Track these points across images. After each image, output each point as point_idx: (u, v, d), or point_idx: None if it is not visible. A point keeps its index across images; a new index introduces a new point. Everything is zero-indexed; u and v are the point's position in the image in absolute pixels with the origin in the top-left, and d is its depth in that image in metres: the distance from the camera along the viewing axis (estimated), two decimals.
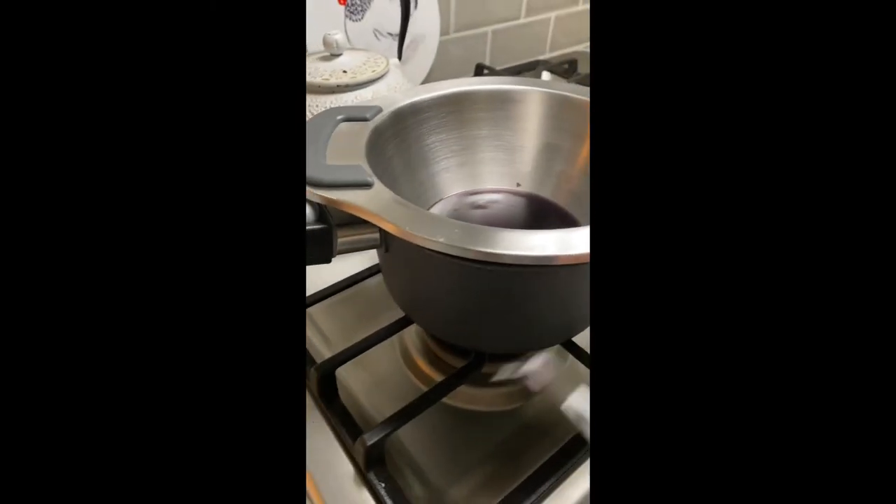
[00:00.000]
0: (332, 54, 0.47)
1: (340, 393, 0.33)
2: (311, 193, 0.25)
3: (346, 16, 0.60)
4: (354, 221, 0.26)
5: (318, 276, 0.41)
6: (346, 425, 0.31)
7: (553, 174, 0.38)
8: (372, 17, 0.62)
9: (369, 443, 0.27)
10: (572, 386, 0.35)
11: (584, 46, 0.91)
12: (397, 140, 0.34)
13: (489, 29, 0.75)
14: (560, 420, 0.33)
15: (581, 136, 0.36)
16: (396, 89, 0.48)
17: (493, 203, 0.38)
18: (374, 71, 0.46)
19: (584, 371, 0.35)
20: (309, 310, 0.39)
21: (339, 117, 0.32)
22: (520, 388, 0.34)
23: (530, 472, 0.28)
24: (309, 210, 0.26)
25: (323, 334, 0.38)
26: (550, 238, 0.22)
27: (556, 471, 0.28)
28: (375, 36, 0.63)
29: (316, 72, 0.45)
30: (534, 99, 0.37)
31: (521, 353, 0.35)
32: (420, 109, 0.36)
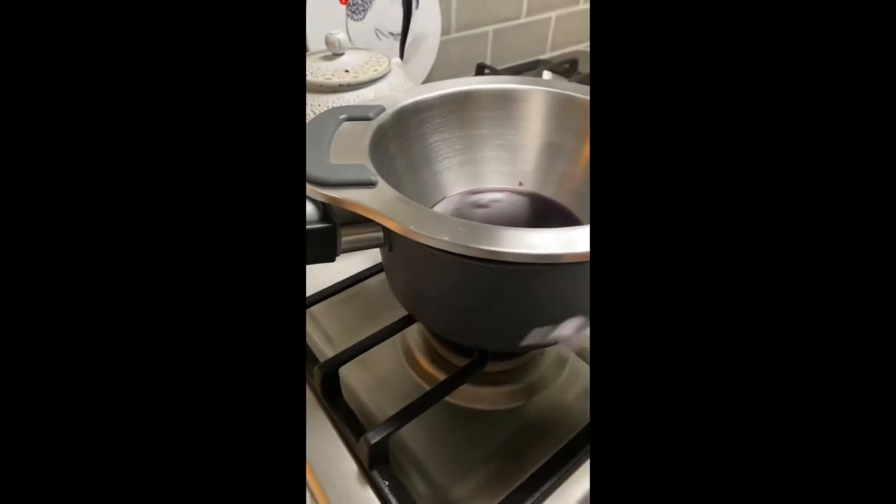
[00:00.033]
0: (335, 54, 0.47)
1: (343, 391, 0.33)
2: (316, 192, 0.25)
3: (348, 15, 0.60)
4: (358, 220, 0.26)
5: (321, 276, 0.41)
6: (350, 424, 0.31)
7: (556, 173, 0.38)
8: (373, 16, 0.62)
9: (373, 441, 0.28)
10: (575, 384, 0.35)
11: (585, 46, 0.91)
12: (400, 139, 0.35)
13: (490, 28, 0.75)
14: (562, 418, 0.33)
15: (583, 135, 0.36)
16: (398, 89, 0.48)
17: (495, 202, 0.38)
18: (376, 70, 0.46)
19: (587, 369, 0.35)
20: (311, 309, 0.39)
21: (342, 116, 0.32)
22: (522, 387, 0.34)
23: (533, 470, 0.28)
24: (313, 209, 0.26)
25: (325, 333, 0.38)
26: (554, 236, 0.22)
27: (558, 469, 0.28)
28: (377, 35, 0.63)
29: (318, 71, 0.45)
30: (536, 98, 0.37)
31: (523, 352, 0.35)
32: (423, 108, 0.36)
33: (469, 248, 0.22)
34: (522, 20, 0.78)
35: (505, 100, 0.38)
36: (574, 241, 0.22)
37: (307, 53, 0.51)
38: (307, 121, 0.43)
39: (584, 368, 0.36)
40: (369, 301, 0.41)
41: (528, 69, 0.77)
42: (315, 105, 0.45)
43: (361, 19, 0.61)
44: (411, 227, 0.23)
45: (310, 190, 0.26)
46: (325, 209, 0.26)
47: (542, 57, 0.85)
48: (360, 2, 0.60)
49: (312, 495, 0.29)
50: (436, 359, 0.36)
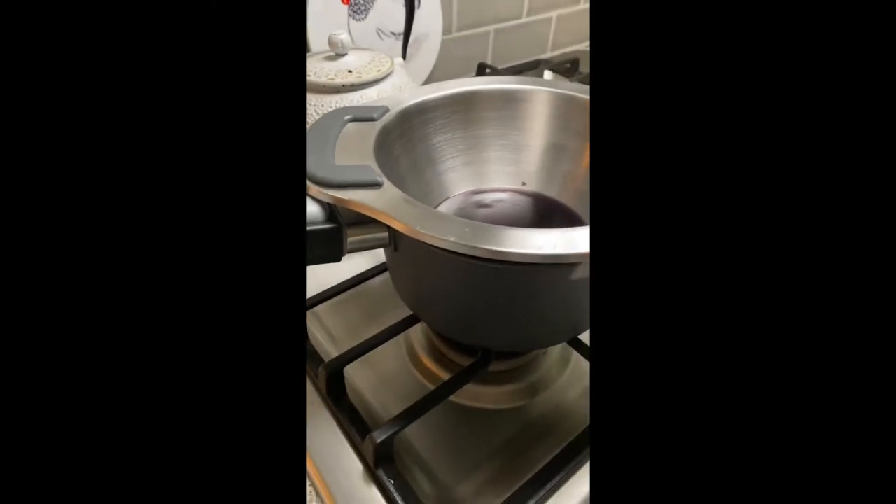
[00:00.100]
0: (338, 54, 0.47)
1: (348, 391, 0.33)
2: (321, 193, 0.26)
3: (350, 15, 0.60)
4: (363, 220, 0.26)
5: (324, 276, 0.41)
6: (355, 423, 0.31)
7: (559, 173, 0.38)
8: (375, 16, 0.62)
9: (378, 440, 0.28)
10: (578, 383, 0.35)
11: (586, 46, 0.91)
12: (404, 139, 0.35)
13: (491, 28, 0.75)
14: (566, 417, 0.33)
15: (587, 136, 0.36)
16: (401, 89, 0.48)
17: (498, 202, 0.38)
18: (379, 71, 0.46)
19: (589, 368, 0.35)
20: (315, 309, 0.40)
21: (347, 117, 0.32)
22: (525, 386, 0.35)
23: (537, 469, 0.29)
24: (319, 209, 0.26)
25: (329, 333, 0.39)
26: (559, 236, 0.22)
27: (562, 467, 0.29)
28: (379, 35, 0.63)
29: (321, 71, 0.46)
30: (540, 98, 0.37)
31: (527, 351, 0.36)
32: (426, 109, 0.36)
33: (475, 248, 0.22)
34: (523, 20, 0.78)
35: (508, 100, 0.38)
36: (578, 241, 0.22)
37: (310, 54, 0.51)
38: (311, 122, 0.43)
39: (587, 367, 0.36)
40: (373, 301, 0.41)
41: (530, 69, 0.77)
42: (319, 106, 0.45)
43: (363, 19, 0.61)
44: (417, 227, 0.23)
45: (315, 191, 0.26)
46: (331, 210, 0.27)
47: (543, 56, 0.85)
48: (361, 2, 0.60)
49: (318, 494, 0.30)
50: (439, 358, 0.36)
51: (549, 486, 0.28)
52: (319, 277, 0.41)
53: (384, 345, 0.34)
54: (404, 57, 0.65)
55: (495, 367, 0.34)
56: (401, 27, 0.64)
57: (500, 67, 0.76)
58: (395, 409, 0.30)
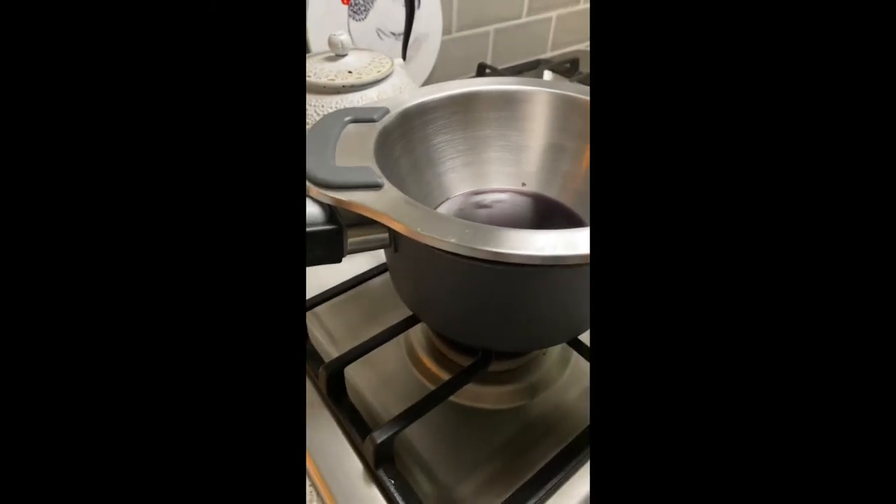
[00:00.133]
0: (338, 55, 0.48)
1: (348, 391, 0.33)
2: (322, 195, 0.26)
3: (350, 15, 0.60)
4: (364, 221, 0.26)
5: (324, 276, 0.41)
6: (355, 423, 0.31)
7: (559, 174, 0.38)
8: (375, 16, 0.62)
9: (379, 441, 0.28)
10: (578, 383, 0.35)
11: (586, 45, 0.91)
12: (404, 140, 0.35)
13: (491, 28, 0.75)
14: (565, 417, 0.33)
15: (586, 136, 0.36)
16: (401, 89, 0.48)
17: (498, 203, 0.39)
18: (379, 71, 0.46)
19: (589, 368, 0.35)
20: (315, 309, 0.40)
21: (347, 118, 0.32)
22: (525, 386, 0.35)
23: (537, 469, 0.29)
24: (319, 211, 0.26)
25: (330, 334, 0.39)
26: (559, 238, 0.23)
27: (562, 467, 0.29)
28: (378, 35, 0.63)
29: (321, 72, 0.46)
30: (540, 99, 0.37)
31: (527, 351, 0.36)
32: (427, 110, 0.36)
33: (476, 249, 0.22)
34: (523, 20, 0.78)
35: (508, 101, 0.38)
36: (579, 242, 0.22)
37: (310, 54, 0.51)
38: (311, 122, 0.43)
39: (587, 367, 0.36)
40: (373, 301, 0.41)
41: (529, 69, 0.77)
42: (319, 106, 0.45)
43: (363, 19, 0.61)
44: (418, 229, 0.23)
45: (316, 192, 0.26)
46: (332, 211, 0.27)
47: (542, 56, 0.85)
48: (361, 2, 0.60)
49: (318, 494, 0.30)
50: (439, 358, 0.36)
51: (548, 487, 0.28)
52: (320, 278, 0.41)
53: (384, 345, 0.35)
54: (404, 57, 0.66)
55: (495, 367, 0.34)
56: (401, 27, 0.65)
57: (499, 67, 0.76)
58: (396, 409, 0.30)
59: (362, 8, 0.60)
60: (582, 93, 0.37)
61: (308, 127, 0.32)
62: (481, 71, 0.74)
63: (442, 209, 0.38)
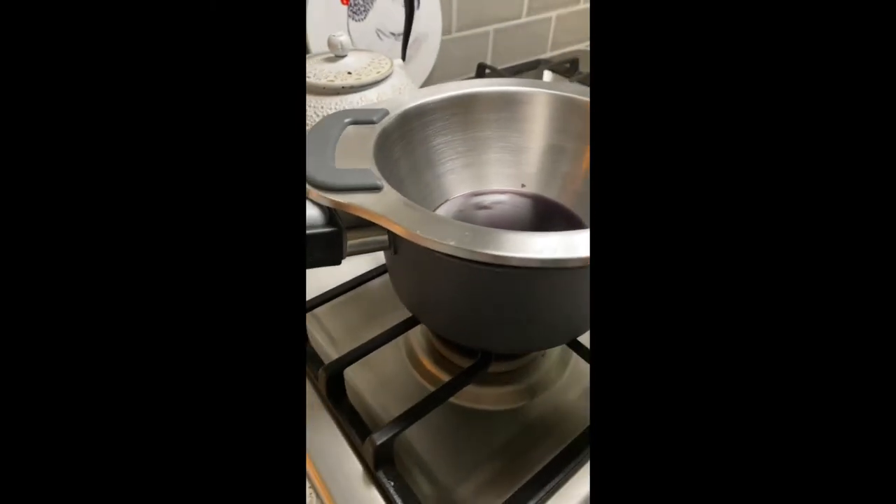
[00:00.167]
0: (337, 56, 0.47)
1: (348, 393, 0.33)
2: (321, 197, 0.26)
3: (349, 16, 0.60)
4: (363, 224, 0.26)
5: (324, 278, 0.41)
6: (355, 425, 0.31)
7: (558, 175, 0.38)
8: (374, 16, 0.62)
9: (378, 442, 0.28)
10: (577, 384, 0.35)
11: (585, 45, 0.91)
12: (404, 142, 0.35)
13: (490, 28, 0.75)
14: (565, 418, 0.33)
15: (586, 138, 0.36)
16: (401, 90, 0.48)
17: (498, 204, 0.39)
18: (378, 72, 0.46)
19: (588, 369, 0.35)
20: (315, 311, 0.40)
21: (347, 120, 0.32)
22: (525, 387, 0.35)
23: (537, 469, 0.29)
24: (319, 213, 0.26)
25: (329, 335, 0.39)
26: (559, 240, 0.23)
27: (562, 468, 0.29)
28: (378, 36, 0.63)
29: (321, 73, 0.46)
30: (539, 101, 0.37)
31: (526, 353, 0.36)
32: (426, 111, 0.36)
33: (475, 252, 0.22)
34: (523, 20, 0.78)
35: (508, 102, 0.38)
36: (578, 245, 0.22)
37: (309, 55, 0.51)
38: (311, 123, 0.43)
39: (586, 368, 0.36)
40: (372, 303, 0.41)
41: (529, 69, 0.77)
42: (318, 107, 0.45)
43: (363, 20, 0.61)
44: (417, 231, 0.23)
45: (315, 195, 0.26)
46: (331, 213, 0.27)
47: (542, 56, 0.85)
48: (361, 2, 0.60)
49: (318, 496, 0.30)
50: (439, 360, 0.36)
51: (548, 487, 0.28)
52: (319, 279, 0.41)
53: (384, 347, 0.35)
54: (404, 57, 0.65)
55: (495, 368, 0.34)
56: (400, 27, 0.65)
57: (499, 68, 0.76)
58: (395, 410, 0.30)
59: (362, 8, 0.60)
60: (582, 94, 0.37)
61: (307, 128, 0.32)
62: (481, 71, 0.74)
63: (442, 210, 0.38)
